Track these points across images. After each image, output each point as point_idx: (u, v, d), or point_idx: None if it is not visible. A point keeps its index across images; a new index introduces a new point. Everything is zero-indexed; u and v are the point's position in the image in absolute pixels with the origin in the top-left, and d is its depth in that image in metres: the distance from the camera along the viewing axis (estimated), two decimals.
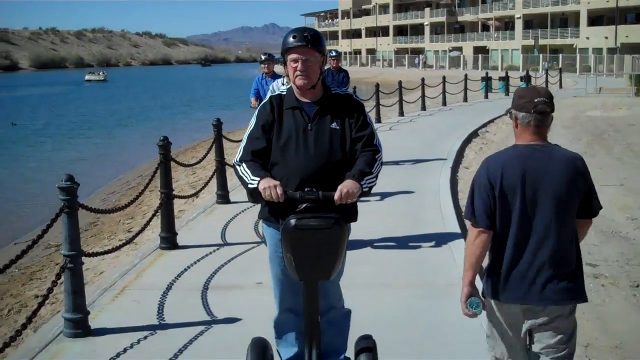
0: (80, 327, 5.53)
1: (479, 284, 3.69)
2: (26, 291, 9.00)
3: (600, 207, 3.67)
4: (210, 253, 7.77)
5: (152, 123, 35.39)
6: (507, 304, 3.61)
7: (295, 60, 3.98)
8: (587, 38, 64.31)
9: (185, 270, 7.15)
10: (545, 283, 3.51)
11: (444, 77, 30.53)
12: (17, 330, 5.18)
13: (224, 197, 10.58)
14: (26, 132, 32.21)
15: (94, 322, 5.71)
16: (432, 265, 7.15)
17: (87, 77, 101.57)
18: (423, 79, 28.17)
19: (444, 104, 29.18)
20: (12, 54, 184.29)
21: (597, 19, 65.14)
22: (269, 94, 7.25)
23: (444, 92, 29.60)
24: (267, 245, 4.30)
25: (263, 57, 10.86)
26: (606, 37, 61.82)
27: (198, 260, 7.47)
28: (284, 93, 4.16)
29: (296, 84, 4.02)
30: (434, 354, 5.08)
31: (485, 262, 3.68)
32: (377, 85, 23.28)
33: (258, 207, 4.21)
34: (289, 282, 4.08)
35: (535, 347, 3.62)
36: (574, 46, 65.37)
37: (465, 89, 31.70)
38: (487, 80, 35.18)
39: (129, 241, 7.37)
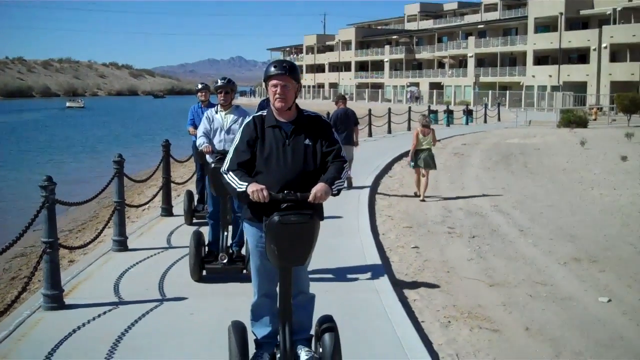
0: (56, 301, 6.69)
1: None
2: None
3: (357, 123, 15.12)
4: (158, 253, 9.22)
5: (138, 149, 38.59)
6: None
7: (275, 86, 4.53)
8: (533, 76, 67.46)
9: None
10: None
11: (389, 109, 34.83)
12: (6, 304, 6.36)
13: (167, 210, 12.03)
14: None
15: (67, 299, 6.98)
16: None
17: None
18: (370, 110, 32.21)
19: (389, 131, 33.34)
20: None
21: (542, 58, 68.45)
22: (203, 120, 8.22)
23: (389, 122, 33.74)
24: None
25: (200, 86, 11.03)
26: (550, 76, 64.99)
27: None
28: (265, 114, 4.69)
29: (275, 105, 4.58)
30: None
31: None
32: (328, 113, 27.15)
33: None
34: (267, 271, 4.64)
35: None
36: (521, 83, 68.53)
37: (409, 119, 35.68)
38: (430, 112, 39.20)
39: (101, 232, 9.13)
